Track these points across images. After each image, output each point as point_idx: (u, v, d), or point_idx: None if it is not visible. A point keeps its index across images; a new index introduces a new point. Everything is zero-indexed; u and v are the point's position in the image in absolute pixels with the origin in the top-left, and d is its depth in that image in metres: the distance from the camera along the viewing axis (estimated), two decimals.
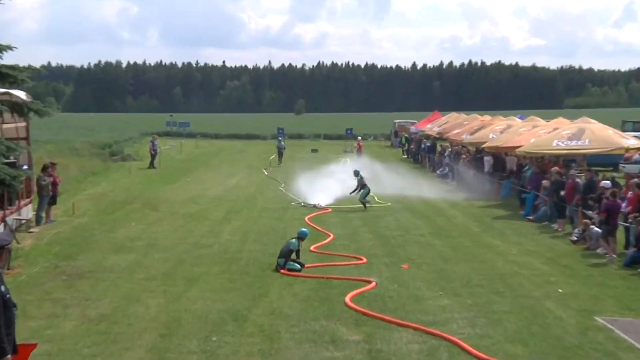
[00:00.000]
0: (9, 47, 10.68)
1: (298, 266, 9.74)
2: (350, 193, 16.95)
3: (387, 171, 25.15)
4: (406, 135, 39.64)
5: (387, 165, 28.83)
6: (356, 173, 17.28)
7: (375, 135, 52.99)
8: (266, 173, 26.07)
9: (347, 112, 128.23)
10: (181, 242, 12.57)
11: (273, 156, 31.95)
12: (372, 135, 52.91)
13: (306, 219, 15.15)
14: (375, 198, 18.48)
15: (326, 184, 18.96)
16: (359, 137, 37.71)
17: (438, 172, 26.64)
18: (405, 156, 37.42)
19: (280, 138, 36.06)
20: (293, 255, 10.03)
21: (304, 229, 10.54)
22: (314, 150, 39.88)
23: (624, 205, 12.36)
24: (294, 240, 10.09)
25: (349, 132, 42.86)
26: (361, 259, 10.99)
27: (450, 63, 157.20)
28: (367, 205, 16.77)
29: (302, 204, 17.67)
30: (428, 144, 32.32)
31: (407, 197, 19.57)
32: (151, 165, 28.89)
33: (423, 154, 32.67)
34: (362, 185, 16.97)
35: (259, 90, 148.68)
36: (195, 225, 14.35)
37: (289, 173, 26.37)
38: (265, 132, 54.61)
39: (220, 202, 18.22)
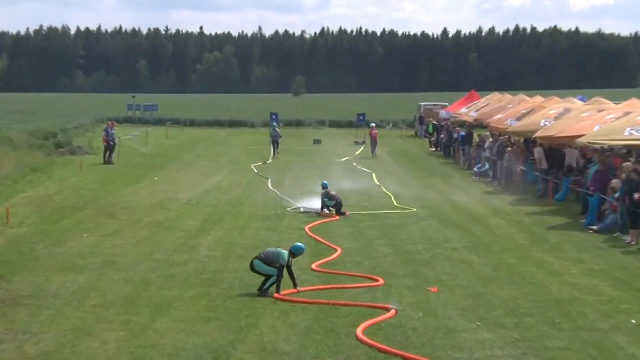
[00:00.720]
0: None
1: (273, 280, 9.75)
2: (317, 214, 16.97)
3: (410, 167, 25.56)
4: (434, 122, 39.53)
5: (409, 160, 29.73)
6: (323, 187, 17.57)
7: (395, 122, 53.00)
8: (256, 170, 26.28)
9: (358, 92, 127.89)
10: (146, 258, 12.55)
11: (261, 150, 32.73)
12: (390, 123, 52.91)
13: (306, 228, 15.16)
14: (394, 201, 18.78)
15: (333, 185, 19.16)
16: (372, 124, 37.49)
17: (475, 168, 26.68)
18: (433, 149, 37.31)
19: (274, 124, 36.49)
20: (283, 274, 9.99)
21: (300, 244, 10.43)
22: (317, 142, 39.79)
23: None
24: (285, 252, 10.06)
25: (361, 118, 42.68)
26: (377, 280, 11.00)
27: (491, 29, 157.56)
28: (322, 212, 17.11)
29: (302, 209, 17.96)
30: (462, 133, 32.12)
31: (435, 200, 19.67)
32: (107, 160, 28.85)
33: (456, 146, 32.54)
34: (328, 199, 17.15)
35: (246, 65, 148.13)
36: (164, 238, 14.35)
37: (285, 170, 26.61)
38: (255, 117, 54.78)
39: (196, 207, 18.29)
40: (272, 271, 9.91)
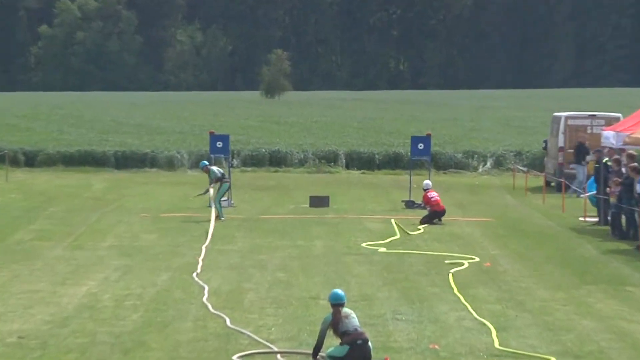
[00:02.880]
0: None
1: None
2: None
3: (537, 265, 20.44)
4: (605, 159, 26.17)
5: (533, 247, 23.11)
6: (203, 165, 23.23)
7: (503, 157, 44.59)
8: (196, 275, 19.56)
9: (412, 88, 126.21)
10: None
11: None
12: (489, 160, 44.74)
13: None
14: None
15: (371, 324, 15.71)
16: (428, 184, 28.76)
17: None
18: (591, 219, 27.04)
19: (220, 158, 29.37)
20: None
21: (338, 290, 12.39)
22: (318, 200, 30.27)
23: None
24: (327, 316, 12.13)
25: (420, 147, 31.30)
26: None
27: None
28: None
29: None
30: None
31: (607, 353, 14.50)
32: None
33: None
34: (216, 179, 22.03)
35: (152, 42, 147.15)
36: None
37: (247, 270, 20.39)
38: (173, 147, 46.89)
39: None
40: None
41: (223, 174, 27.16)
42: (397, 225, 25.57)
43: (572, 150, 34.09)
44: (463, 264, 19.75)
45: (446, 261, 20.94)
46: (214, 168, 27.05)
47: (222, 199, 27.56)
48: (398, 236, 24.34)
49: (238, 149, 44.19)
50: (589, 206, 27.80)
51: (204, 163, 27.64)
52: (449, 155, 43.00)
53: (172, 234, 25.06)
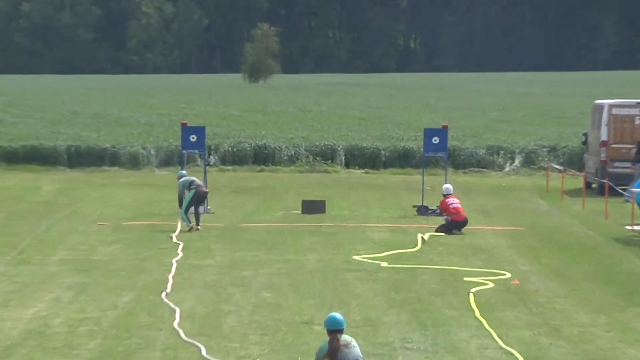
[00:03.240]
0: None
1: None
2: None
3: (575, 282, 20.89)
4: None
5: (569, 261, 23.72)
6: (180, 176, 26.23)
7: (534, 153, 45.42)
8: (165, 296, 19.78)
9: (428, 71, 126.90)
10: None
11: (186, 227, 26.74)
12: (518, 159, 45.45)
13: None
14: None
15: None
16: (448, 188, 28.97)
17: None
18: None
19: (183, 175, 29.12)
20: None
21: (336, 314, 12.45)
22: (311, 205, 30.98)
23: None
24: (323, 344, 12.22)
25: (435, 142, 32.69)
26: None
27: None
28: (190, 227, 24.78)
29: None
30: None
31: None
32: None
33: None
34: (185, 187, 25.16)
35: (112, 15, 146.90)
36: None
37: (226, 289, 20.70)
38: (137, 141, 47.52)
39: None
40: None
41: (191, 182, 28.16)
42: (423, 239, 25.62)
43: (618, 145, 34.86)
44: (486, 282, 19.89)
45: (466, 278, 21.29)
46: (182, 181, 27.75)
47: (198, 210, 27.61)
48: (419, 247, 24.79)
49: (216, 143, 44.47)
50: (637, 212, 28.16)
51: (182, 174, 28.25)
52: (470, 152, 43.40)
53: (136, 245, 25.43)
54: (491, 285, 19.64)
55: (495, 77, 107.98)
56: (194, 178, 28.56)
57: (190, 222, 27.22)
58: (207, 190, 28.92)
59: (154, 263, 22.62)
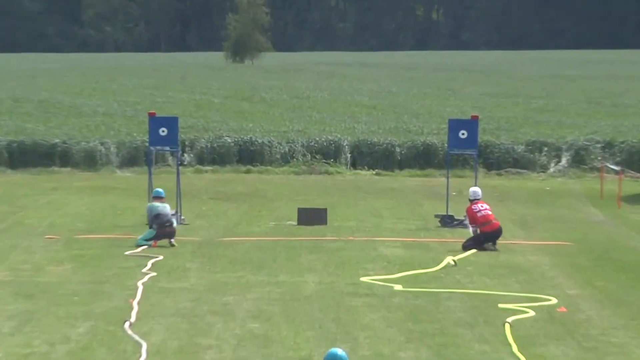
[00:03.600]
0: None
1: None
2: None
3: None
4: None
5: (627, 285, 23.88)
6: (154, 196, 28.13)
7: (585, 150, 46.13)
8: (129, 326, 20.53)
9: (448, 49, 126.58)
10: None
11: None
12: (566, 154, 46.03)
13: None
14: None
15: None
16: (475, 191, 28.98)
17: None
18: None
19: (158, 195, 29.86)
20: None
21: (337, 350, 12.46)
22: (310, 216, 31.43)
23: None
24: None
25: (462, 135, 32.70)
26: None
27: None
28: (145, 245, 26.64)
29: None
30: None
31: None
32: None
33: None
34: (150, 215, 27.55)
35: None
36: None
37: (211, 330, 20.40)
38: (90, 137, 47.64)
39: None
40: None
41: (156, 216, 28.04)
42: (453, 262, 25.55)
43: None
44: (526, 310, 19.89)
45: (501, 305, 21.38)
46: (149, 207, 27.85)
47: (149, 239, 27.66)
48: (448, 262, 24.59)
49: (191, 138, 44.52)
50: None
51: (158, 191, 28.35)
52: (506, 148, 43.57)
53: (93, 264, 25.48)
54: (532, 313, 19.68)
55: (536, 57, 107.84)
56: (162, 210, 28.29)
57: (150, 242, 27.29)
58: (174, 228, 28.31)
59: (115, 286, 22.70)
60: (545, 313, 20.33)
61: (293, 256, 26.64)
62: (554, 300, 20.58)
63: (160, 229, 26.85)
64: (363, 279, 24.02)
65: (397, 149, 44.58)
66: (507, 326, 19.18)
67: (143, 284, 22.79)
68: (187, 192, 31.79)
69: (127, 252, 26.26)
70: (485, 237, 26.81)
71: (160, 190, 28.20)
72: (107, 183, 40.92)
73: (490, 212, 27.12)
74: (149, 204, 27.28)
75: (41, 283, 23.65)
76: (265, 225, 31.40)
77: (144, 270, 23.36)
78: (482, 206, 27.35)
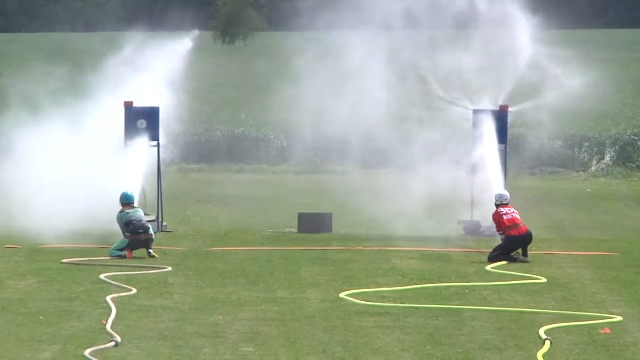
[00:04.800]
0: None
1: None
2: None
3: None
4: None
5: None
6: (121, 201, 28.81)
7: (632, 146, 47.66)
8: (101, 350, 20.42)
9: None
10: None
11: None
12: (610, 150, 47.31)
13: None
14: None
15: None
16: (502, 196, 29.58)
17: None
18: None
19: (127, 200, 30.41)
20: None
21: None
22: (313, 222, 31.69)
23: None
24: None
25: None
26: None
27: None
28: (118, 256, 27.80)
29: None
30: None
31: None
32: None
33: None
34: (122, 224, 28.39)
35: None
36: None
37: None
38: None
39: None
40: None
41: (129, 223, 28.08)
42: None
43: None
44: (564, 331, 19.83)
45: (535, 325, 21.36)
46: (119, 215, 27.90)
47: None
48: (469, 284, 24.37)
49: (175, 132, 44.52)
50: None
51: (126, 195, 28.35)
52: (540, 143, 43.38)
53: (61, 278, 25.57)
54: (570, 335, 19.67)
55: (575, 37, 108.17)
56: (134, 215, 28.38)
57: (123, 253, 27.29)
58: (150, 235, 28.70)
59: (86, 304, 22.73)
60: (586, 334, 20.27)
61: (293, 269, 26.79)
62: (595, 320, 20.39)
63: (134, 237, 27.02)
64: (342, 294, 23.77)
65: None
66: (542, 350, 19.29)
67: (118, 300, 22.78)
68: (169, 194, 31.81)
69: (101, 276, 25.77)
70: (513, 244, 26.83)
71: (128, 193, 28.26)
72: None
73: (518, 216, 27.16)
74: (118, 214, 27.50)
75: (0, 300, 23.92)
76: (261, 233, 31.50)
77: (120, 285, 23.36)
78: (508, 210, 27.45)
